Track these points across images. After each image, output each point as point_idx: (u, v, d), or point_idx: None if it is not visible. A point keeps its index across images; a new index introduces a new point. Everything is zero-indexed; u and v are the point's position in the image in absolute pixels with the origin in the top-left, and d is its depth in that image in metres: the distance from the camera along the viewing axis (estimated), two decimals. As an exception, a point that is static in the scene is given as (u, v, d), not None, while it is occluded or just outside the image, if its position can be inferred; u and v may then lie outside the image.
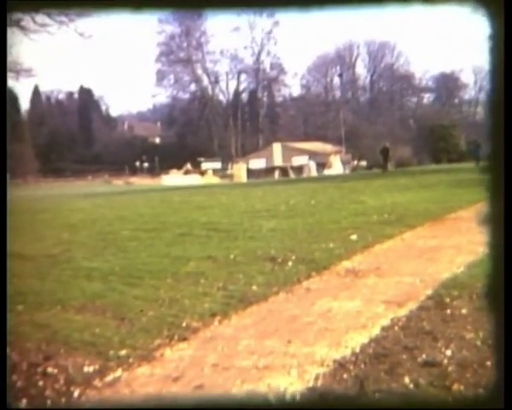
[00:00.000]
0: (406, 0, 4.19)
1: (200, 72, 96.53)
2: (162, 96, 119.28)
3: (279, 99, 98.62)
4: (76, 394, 4.35)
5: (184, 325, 5.95)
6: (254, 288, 7.32)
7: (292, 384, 4.33)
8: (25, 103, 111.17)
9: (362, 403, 4.17)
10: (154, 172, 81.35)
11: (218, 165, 78.72)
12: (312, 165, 67.01)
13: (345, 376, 4.45)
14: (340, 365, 4.66)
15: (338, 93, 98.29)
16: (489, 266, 3.55)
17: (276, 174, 66.79)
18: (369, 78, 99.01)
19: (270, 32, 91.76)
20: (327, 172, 61.10)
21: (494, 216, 3.44)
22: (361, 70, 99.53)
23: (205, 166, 76.81)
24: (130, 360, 5.00)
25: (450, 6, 3.86)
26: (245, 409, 4.18)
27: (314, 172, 63.61)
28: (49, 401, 4.21)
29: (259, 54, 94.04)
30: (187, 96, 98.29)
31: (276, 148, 75.18)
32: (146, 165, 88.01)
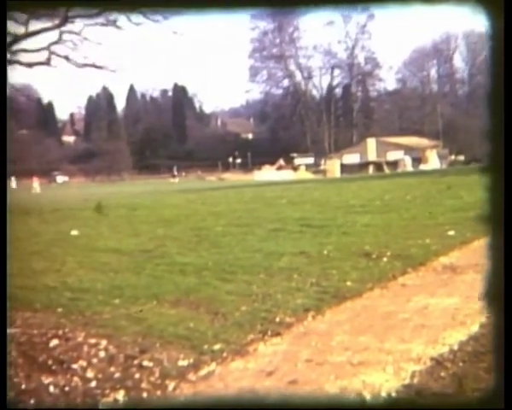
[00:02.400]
0: (406, 0, 4.17)
1: (293, 67, 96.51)
2: (255, 92, 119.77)
3: (373, 94, 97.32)
4: (171, 387, 4.38)
5: (278, 320, 5.92)
6: (348, 284, 7.22)
7: (387, 381, 4.23)
8: (121, 102, 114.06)
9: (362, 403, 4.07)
10: (246, 167, 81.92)
11: (310, 160, 78.52)
12: (408, 160, 65.64)
13: (442, 374, 4.32)
14: (438, 362, 4.53)
15: (435, 87, 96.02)
16: (489, 266, 3.47)
17: (371, 169, 65.94)
18: (467, 70, 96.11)
19: (364, 26, 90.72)
20: (423, 167, 59.69)
21: (494, 216, 3.41)
22: (459, 63, 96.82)
23: (298, 161, 76.70)
24: (224, 354, 5.01)
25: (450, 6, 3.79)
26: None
27: (409, 168, 62.32)
28: (145, 394, 4.25)
29: (353, 48, 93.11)
30: (280, 91, 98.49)
31: (371, 143, 74.19)
32: (239, 161, 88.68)
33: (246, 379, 4.51)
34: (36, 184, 55.23)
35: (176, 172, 75.51)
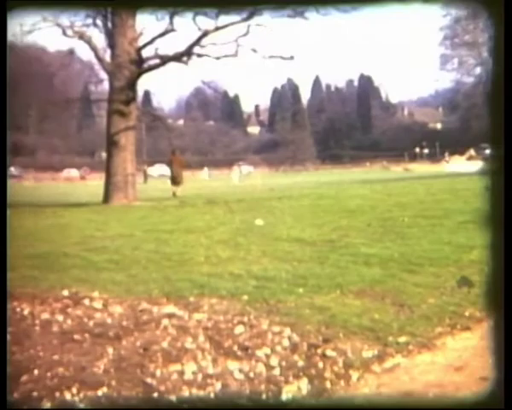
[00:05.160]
0: (406, 0, 3.96)
1: (485, 54, 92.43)
2: (445, 81, 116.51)
3: None
4: (355, 377, 4.32)
5: (467, 314, 5.68)
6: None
7: None
8: (305, 92, 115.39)
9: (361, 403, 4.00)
10: (434, 158, 79.89)
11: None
12: None
13: None
14: None
15: None
16: (489, 266, 3.54)
17: None
18: None
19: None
20: None
21: (494, 216, 3.44)
22: None
23: (489, 152, 73.50)
24: (410, 347, 4.88)
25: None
26: None
27: None
28: (328, 383, 4.21)
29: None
30: (471, 79, 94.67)
31: None
32: (426, 151, 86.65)
33: (433, 373, 4.36)
34: (235, 174, 57.19)
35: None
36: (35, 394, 3.94)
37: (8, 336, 5.01)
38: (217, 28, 22.16)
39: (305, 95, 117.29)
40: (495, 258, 3.48)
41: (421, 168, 66.39)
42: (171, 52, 23.25)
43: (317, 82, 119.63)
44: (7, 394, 3.80)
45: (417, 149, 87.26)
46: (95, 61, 26.04)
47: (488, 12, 3.47)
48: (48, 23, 22.24)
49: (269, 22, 22.76)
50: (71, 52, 28.76)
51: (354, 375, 4.36)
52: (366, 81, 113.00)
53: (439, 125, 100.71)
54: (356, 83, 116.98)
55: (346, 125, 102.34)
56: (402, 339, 5.03)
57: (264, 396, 4.03)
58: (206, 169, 71.87)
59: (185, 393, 4.03)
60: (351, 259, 8.61)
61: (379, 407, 4.08)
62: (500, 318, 3.42)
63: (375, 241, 10.10)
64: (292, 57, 24.74)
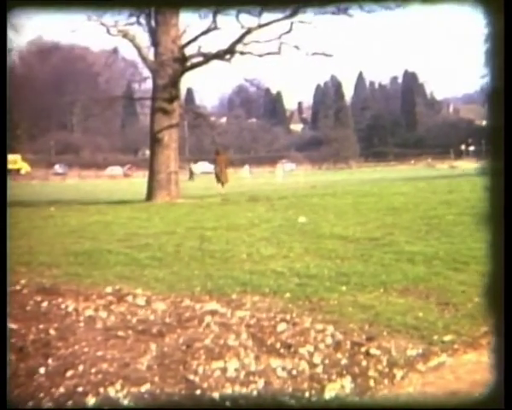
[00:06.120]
0: (406, 0, 3.94)
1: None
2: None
3: None
4: (399, 376, 4.29)
5: (514, 314, 5.56)
6: None
7: None
8: (349, 89, 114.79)
9: (362, 404, 4.00)
10: (480, 155, 78.73)
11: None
12: None
13: None
14: None
15: None
16: (489, 266, 3.53)
17: None
18: None
19: None
20: None
21: (494, 216, 3.47)
22: None
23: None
24: (455, 346, 4.83)
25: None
26: None
27: None
28: (372, 382, 4.18)
29: None
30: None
31: None
32: (472, 148, 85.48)
33: (479, 373, 4.27)
34: (279, 171, 57.23)
35: None
36: (80, 389, 3.98)
37: (53, 332, 5.09)
38: (260, 26, 22.15)
39: (349, 92, 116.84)
40: (495, 258, 3.49)
41: (467, 166, 65.43)
42: (214, 50, 23.31)
43: (360, 79, 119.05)
44: (7, 394, 3.81)
45: (463, 147, 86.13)
46: (138, 59, 26.29)
47: (488, 12, 3.44)
48: (92, 22, 22.52)
49: (312, 19, 22.63)
50: (115, 51, 29.09)
51: (398, 374, 4.33)
52: (411, 78, 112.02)
53: (485, 123, 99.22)
54: (400, 80, 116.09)
55: (390, 123, 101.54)
56: (447, 338, 4.98)
57: (306, 394, 4.00)
58: (246, 167, 72.00)
59: (228, 390, 4.03)
60: (394, 257, 8.53)
61: (377, 407, 4.07)
62: (500, 318, 3.40)
63: (419, 239, 9.99)
64: (334, 54, 24.64)
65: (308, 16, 22.25)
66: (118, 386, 4.00)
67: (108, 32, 23.19)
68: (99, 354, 4.60)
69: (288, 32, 22.61)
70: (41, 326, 5.26)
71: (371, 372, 4.33)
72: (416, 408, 4.04)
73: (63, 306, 6.03)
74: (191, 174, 54.14)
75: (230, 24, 22.97)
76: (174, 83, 22.85)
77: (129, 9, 20.12)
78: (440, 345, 4.83)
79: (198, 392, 3.99)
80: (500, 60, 3.34)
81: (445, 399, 4.00)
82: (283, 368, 4.35)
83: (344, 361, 4.51)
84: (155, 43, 22.78)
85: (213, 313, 5.73)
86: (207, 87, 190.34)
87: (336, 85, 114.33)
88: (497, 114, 3.38)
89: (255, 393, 4.01)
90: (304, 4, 18.63)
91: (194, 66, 23.87)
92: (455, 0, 4.05)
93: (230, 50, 22.88)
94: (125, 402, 3.85)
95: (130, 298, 6.36)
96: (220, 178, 28.69)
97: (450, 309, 5.84)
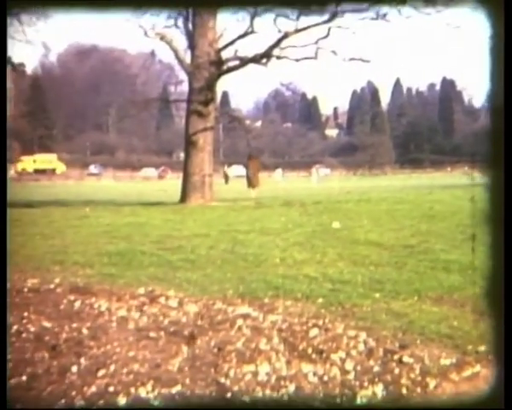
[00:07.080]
0: (406, 0, 3.91)
1: None
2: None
3: None
4: (432, 385, 4.22)
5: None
6: None
7: None
8: (385, 95, 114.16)
9: (362, 404, 3.93)
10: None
11: None
12: None
13: None
14: None
15: None
16: (489, 266, 3.54)
17: None
18: None
19: None
20: None
21: (494, 216, 3.48)
22: None
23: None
24: (490, 356, 4.72)
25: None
26: None
27: None
28: (404, 390, 4.12)
29: None
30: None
31: None
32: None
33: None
34: (314, 176, 57.20)
35: None
36: (111, 389, 3.99)
37: (86, 331, 5.12)
38: (297, 30, 22.14)
39: (385, 98, 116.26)
40: (495, 258, 3.48)
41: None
42: (250, 54, 23.36)
43: (397, 85, 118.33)
44: (7, 394, 3.82)
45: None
46: (174, 62, 26.47)
47: (488, 12, 3.44)
48: (130, 25, 22.75)
49: (350, 25, 22.53)
50: (152, 53, 29.33)
51: (431, 382, 4.25)
52: (449, 85, 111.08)
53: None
54: (438, 87, 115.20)
55: (427, 129, 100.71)
56: (481, 348, 4.87)
57: (338, 400, 3.97)
58: (279, 170, 71.95)
59: (258, 394, 4.01)
60: (429, 265, 8.45)
61: (378, 407, 4.01)
62: (500, 318, 3.39)
63: (454, 247, 9.87)
64: (372, 60, 24.51)
65: (346, 21, 22.16)
66: (149, 387, 4.00)
67: (146, 34, 23.41)
68: (131, 354, 4.61)
69: (325, 36, 22.55)
70: (74, 325, 5.30)
71: (404, 380, 4.27)
72: (416, 408, 4.00)
73: (96, 305, 6.07)
74: (227, 178, 54.16)
75: (268, 28, 23.01)
76: (210, 86, 22.95)
77: (167, 10, 20.23)
78: (475, 355, 4.73)
79: (229, 395, 3.98)
80: (500, 60, 3.38)
81: (445, 399, 3.96)
82: (315, 373, 4.31)
83: (376, 368, 4.46)
84: (192, 46, 22.90)
85: (245, 316, 5.71)
86: (243, 91, 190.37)
87: (373, 91, 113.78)
88: (498, 115, 3.41)
89: (286, 397, 3.99)
90: (341, 8, 18.60)
91: (230, 69, 23.95)
92: (455, 1, 4.17)
93: (267, 54, 22.89)
94: (156, 403, 3.85)
95: (162, 299, 6.37)
96: (251, 182, 28.64)
97: (485, 319, 5.74)
